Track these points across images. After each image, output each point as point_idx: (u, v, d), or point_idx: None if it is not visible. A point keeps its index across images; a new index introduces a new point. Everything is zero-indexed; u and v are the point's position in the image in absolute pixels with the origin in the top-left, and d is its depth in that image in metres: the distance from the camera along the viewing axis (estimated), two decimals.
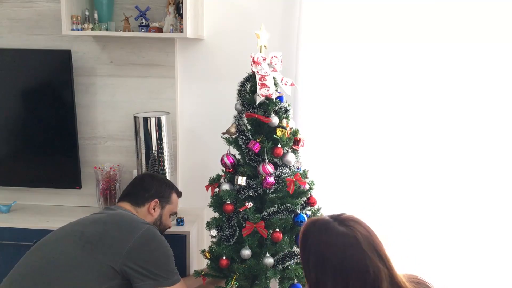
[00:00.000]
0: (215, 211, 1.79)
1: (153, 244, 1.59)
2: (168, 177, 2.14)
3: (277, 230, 1.68)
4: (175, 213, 1.96)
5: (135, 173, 2.18)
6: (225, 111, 1.97)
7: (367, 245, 1.14)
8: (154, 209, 1.80)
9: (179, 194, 1.96)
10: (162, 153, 2.10)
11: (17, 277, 1.50)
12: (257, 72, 1.68)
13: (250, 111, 1.71)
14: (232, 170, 1.78)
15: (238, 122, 1.76)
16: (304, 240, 1.22)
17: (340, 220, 1.19)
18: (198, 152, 2.36)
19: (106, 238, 1.54)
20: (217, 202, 1.77)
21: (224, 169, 1.80)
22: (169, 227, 1.92)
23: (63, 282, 1.46)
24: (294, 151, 1.77)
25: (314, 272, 1.17)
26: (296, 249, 1.72)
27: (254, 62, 1.69)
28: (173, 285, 1.59)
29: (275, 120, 1.69)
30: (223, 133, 1.79)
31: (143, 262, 1.54)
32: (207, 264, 1.84)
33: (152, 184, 1.83)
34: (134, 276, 1.52)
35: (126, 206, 1.78)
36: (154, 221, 1.81)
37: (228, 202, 1.70)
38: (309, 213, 1.80)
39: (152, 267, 1.55)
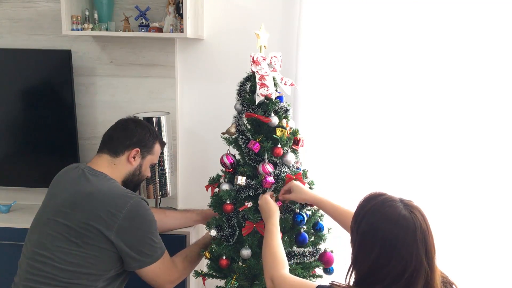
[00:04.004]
0: (215, 211, 1.79)
1: (136, 223, 1.58)
2: (168, 177, 2.14)
3: None
4: (155, 164, 1.91)
5: None
6: (225, 111, 1.97)
7: (421, 238, 1.15)
8: (134, 157, 1.72)
9: (163, 145, 1.90)
10: (162, 153, 2.10)
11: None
12: (257, 72, 1.68)
13: (250, 111, 1.71)
14: (231, 170, 1.78)
15: (238, 122, 1.76)
16: (366, 202, 1.24)
17: (406, 204, 1.20)
18: (198, 152, 2.36)
19: (93, 223, 1.52)
20: (217, 202, 1.77)
21: (223, 169, 1.80)
22: (148, 176, 1.87)
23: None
24: (294, 151, 1.77)
25: (362, 235, 1.20)
26: (296, 249, 1.71)
27: (254, 62, 1.69)
28: (156, 261, 1.61)
29: (275, 120, 1.69)
30: (223, 133, 1.79)
31: (129, 244, 1.55)
32: (207, 264, 1.83)
33: (136, 131, 1.74)
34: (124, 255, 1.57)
35: (103, 161, 1.70)
36: (133, 170, 1.74)
37: (228, 202, 1.70)
38: (309, 213, 1.79)
39: (135, 249, 1.56)
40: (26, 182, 2.32)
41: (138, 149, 1.73)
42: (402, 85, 2.16)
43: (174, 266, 1.70)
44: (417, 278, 1.14)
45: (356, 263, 1.21)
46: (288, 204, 1.71)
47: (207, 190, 1.88)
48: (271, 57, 1.76)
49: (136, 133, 1.74)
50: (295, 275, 1.66)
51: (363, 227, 1.20)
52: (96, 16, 2.13)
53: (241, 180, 1.69)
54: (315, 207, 1.80)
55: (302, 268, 1.70)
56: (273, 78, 1.72)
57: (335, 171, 2.24)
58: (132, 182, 1.76)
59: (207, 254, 1.78)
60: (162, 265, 1.64)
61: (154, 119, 2.08)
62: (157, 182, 2.12)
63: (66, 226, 1.53)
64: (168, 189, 2.16)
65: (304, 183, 1.72)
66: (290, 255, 1.69)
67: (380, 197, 1.23)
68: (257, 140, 1.69)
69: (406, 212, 1.17)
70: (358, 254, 1.21)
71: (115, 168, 1.70)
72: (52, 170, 1.76)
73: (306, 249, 1.72)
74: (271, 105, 1.69)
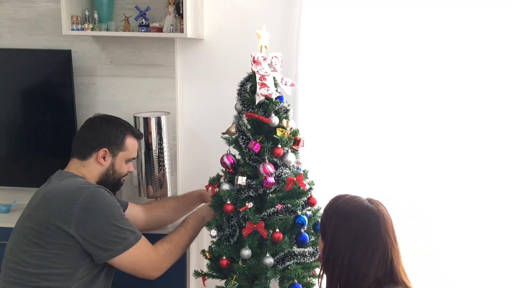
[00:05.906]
0: (215, 211, 1.79)
1: (93, 211, 1.51)
2: (168, 177, 2.14)
3: (277, 230, 1.67)
4: (134, 158, 1.81)
5: (135, 173, 2.18)
6: (225, 111, 1.97)
7: (389, 226, 1.30)
8: (104, 158, 1.67)
9: (138, 136, 1.81)
10: (162, 153, 2.10)
11: None
12: (257, 72, 1.68)
13: (250, 111, 1.71)
14: (232, 170, 1.78)
15: (238, 122, 1.76)
16: (334, 201, 1.37)
17: (369, 199, 1.37)
18: (198, 152, 2.36)
19: (51, 220, 1.49)
20: (217, 202, 1.76)
21: (224, 169, 1.80)
22: (130, 171, 1.80)
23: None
24: (294, 151, 1.76)
25: (334, 228, 1.30)
26: (296, 249, 1.71)
27: (254, 61, 1.69)
28: (128, 248, 1.53)
29: (275, 120, 1.69)
30: (223, 133, 1.79)
31: (91, 234, 1.49)
32: (207, 264, 1.83)
33: (101, 130, 1.68)
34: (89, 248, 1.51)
35: (73, 165, 1.68)
36: (106, 171, 1.69)
37: (228, 202, 1.70)
38: (309, 213, 1.79)
39: (100, 238, 1.50)
40: (26, 182, 2.32)
41: (105, 149, 1.68)
42: (402, 85, 2.16)
43: (154, 252, 1.61)
44: (395, 259, 1.28)
45: (327, 266, 1.30)
46: (289, 205, 1.71)
47: (207, 190, 1.88)
48: (272, 57, 1.76)
49: (102, 132, 1.68)
50: (295, 275, 1.67)
51: (336, 219, 1.31)
52: (96, 16, 2.13)
53: (242, 180, 1.69)
54: (315, 207, 1.80)
55: (302, 268, 1.69)
56: (274, 78, 1.72)
57: (335, 171, 2.24)
58: (108, 182, 1.72)
59: (207, 254, 1.79)
60: (137, 252, 1.55)
61: (154, 119, 2.08)
62: (157, 182, 2.12)
63: (29, 228, 1.52)
64: (168, 189, 2.16)
65: (304, 185, 1.72)
66: (290, 255, 1.68)
67: (345, 195, 1.37)
68: (258, 140, 1.69)
69: (370, 204, 1.33)
70: (329, 257, 1.29)
71: (84, 170, 1.68)
72: (52, 170, 1.76)
73: (306, 249, 1.72)
74: (271, 105, 1.69)
